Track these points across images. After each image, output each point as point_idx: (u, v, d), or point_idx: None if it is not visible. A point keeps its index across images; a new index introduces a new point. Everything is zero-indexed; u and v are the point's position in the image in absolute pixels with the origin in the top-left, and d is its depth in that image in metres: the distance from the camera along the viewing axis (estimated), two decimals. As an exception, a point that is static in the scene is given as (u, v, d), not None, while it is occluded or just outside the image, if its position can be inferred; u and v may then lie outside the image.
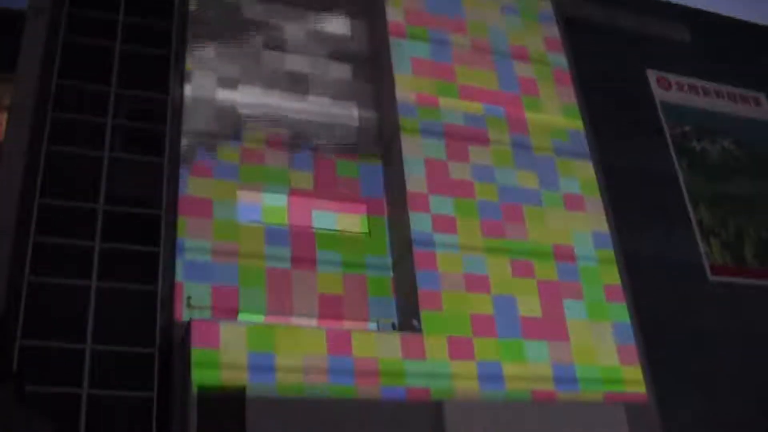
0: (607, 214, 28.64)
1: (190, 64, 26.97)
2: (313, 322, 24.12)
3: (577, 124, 30.37)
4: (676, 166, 33.48)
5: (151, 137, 25.52)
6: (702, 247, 31.56)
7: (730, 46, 39.33)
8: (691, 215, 32.27)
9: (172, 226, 23.98)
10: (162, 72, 26.71)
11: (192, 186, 24.84)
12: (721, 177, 34.36)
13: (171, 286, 23.10)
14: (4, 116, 25.79)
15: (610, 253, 27.75)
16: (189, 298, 22.91)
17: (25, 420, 20.21)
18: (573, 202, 28.28)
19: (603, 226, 28.25)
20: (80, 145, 24.53)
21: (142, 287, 22.99)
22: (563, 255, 26.95)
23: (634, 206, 30.91)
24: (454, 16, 31.00)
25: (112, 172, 24.44)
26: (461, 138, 27.82)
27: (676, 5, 39.37)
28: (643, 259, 29.34)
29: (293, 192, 26.08)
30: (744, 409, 27.92)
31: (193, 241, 23.92)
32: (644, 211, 31.24)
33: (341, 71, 29.11)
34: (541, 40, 32.09)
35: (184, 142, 25.47)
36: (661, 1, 39.09)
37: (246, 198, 25.40)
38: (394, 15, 29.78)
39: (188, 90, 26.47)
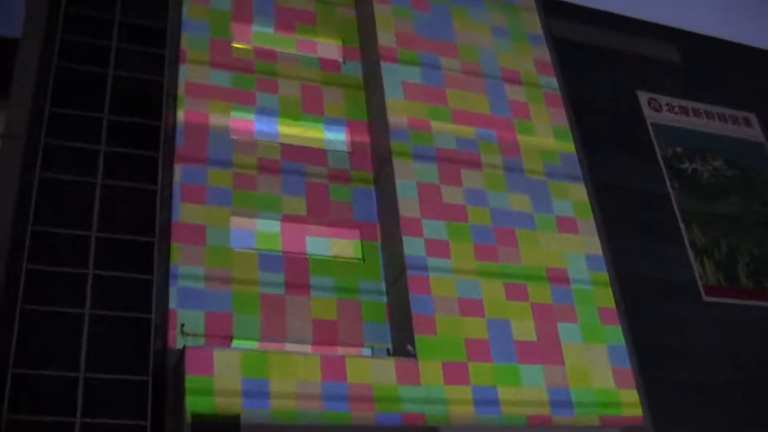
0: (600, 236, 28.62)
1: (182, 89, 26.93)
2: (307, 348, 23.97)
3: (569, 147, 30.42)
4: (668, 186, 33.59)
5: (143, 163, 25.48)
6: (695, 268, 31.61)
7: (719, 66, 39.57)
8: (684, 236, 32.34)
9: (166, 253, 23.90)
10: (155, 98, 26.74)
11: (185, 212, 24.72)
12: (713, 197, 34.49)
13: (164, 313, 22.97)
14: (-3, 144, 25.79)
15: (604, 275, 27.71)
16: (182, 325, 22.76)
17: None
18: (566, 225, 28.26)
19: (596, 249, 28.23)
20: (73, 172, 24.50)
21: (135, 315, 22.93)
22: (557, 278, 26.90)
23: (627, 228, 30.98)
24: (445, 39, 31.06)
25: (105, 199, 24.42)
26: (454, 162, 27.82)
27: (665, 27, 39.64)
28: (637, 281, 29.39)
29: (286, 218, 25.97)
30: (739, 430, 27.91)
31: (187, 268, 23.78)
32: (637, 233, 31.32)
33: (333, 96, 29.12)
34: (532, 63, 32.20)
35: (176, 167, 25.40)
36: (651, 23, 39.35)
37: (239, 224, 25.29)
38: (385, 39, 29.82)
39: (181, 116, 26.39)
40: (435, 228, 26.10)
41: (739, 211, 34.67)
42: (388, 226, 26.54)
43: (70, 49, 26.59)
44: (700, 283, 31.31)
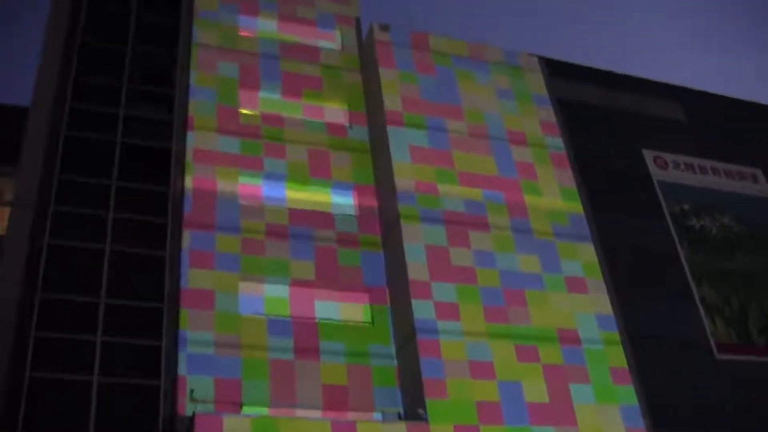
0: (610, 296, 28.56)
1: (191, 155, 27.13)
2: (318, 414, 23.78)
3: (577, 207, 30.57)
4: (677, 244, 33.47)
5: (152, 229, 25.57)
6: (707, 325, 31.36)
7: (725, 123, 39.71)
8: (695, 293, 32.14)
9: (174, 319, 23.87)
10: (163, 164, 26.92)
11: (193, 278, 24.76)
12: (722, 253, 34.32)
13: (174, 379, 22.88)
14: (6, 210, 25.92)
15: (615, 335, 27.65)
16: (192, 391, 22.66)
17: None
18: (575, 285, 28.25)
19: (607, 308, 28.19)
20: (82, 238, 24.57)
21: (144, 381, 22.80)
22: (568, 338, 26.79)
23: (637, 286, 30.80)
24: (451, 102, 31.45)
25: (114, 265, 24.45)
26: (461, 224, 27.93)
27: (669, 85, 39.86)
28: (648, 339, 29.13)
29: (295, 282, 26.02)
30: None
31: (196, 334, 23.76)
32: (647, 291, 31.11)
33: (340, 160, 29.30)
34: (538, 124, 32.47)
35: (185, 233, 25.47)
36: (655, 81, 39.59)
37: (247, 289, 25.33)
38: (391, 103, 30.21)
39: (189, 182, 26.54)
40: (444, 291, 26.10)
41: (749, 267, 34.47)
42: (397, 290, 26.51)
43: (78, 117, 26.86)
44: (711, 341, 31.02)
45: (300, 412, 23.59)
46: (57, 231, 24.42)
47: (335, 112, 30.65)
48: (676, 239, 33.66)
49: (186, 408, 22.33)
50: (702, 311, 31.64)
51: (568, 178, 31.35)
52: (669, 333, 30.31)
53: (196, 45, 29.97)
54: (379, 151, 29.67)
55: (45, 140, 25.98)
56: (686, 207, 35.22)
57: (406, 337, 25.37)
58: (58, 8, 29.00)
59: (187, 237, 25.47)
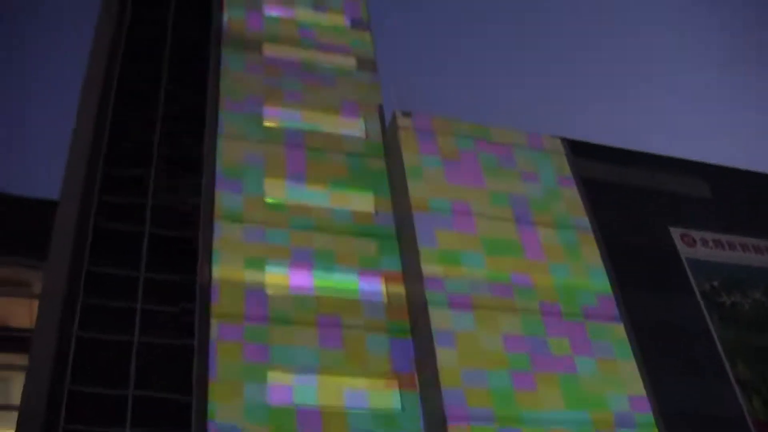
0: (642, 376, 28.21)
1: (218, 245, 27.31)
2: (349, 505, 23.48)
3: (605, 287, 30.41)
4: (708, 321, 33.08)
5: (180, 320, 25.62)
6: (743, 403, 30.80)
7: (750, 197, 39.54)
8: (729, 371, 31.62)
9: (203, 410, 23.72)
10: (190, 253, 27.09)
11: (222, 368, 24.67)
12: (756, 330, 33.86)
13: (203, 472, 22.69)
14: (35, 304, 26.09)
15: (649, 416, 27.20)
16: (222, 484, 22.45)
17: None
18: (607, 366, 27.93)
19: (640, 389, 27.82)
20: (110, 331, 24.61)
21: (173, 475, 22.64)
22: (602, 422, 26.40)
23: (669, 365, 30.40)
24: (476, 186, 31.60)
25: (142, 357, 24.43)
26: (490, 308, 27.82)
27: (693, 161, 39.87)
28: (683, 419, 28.62)
29: (324, 371, 25.84)
30: None
31: (225, 425, 23.59)
32: (680, 370, 30.69)
33: (367, 247, 29.38)
34: (563, 205, 32.55)
35: (213, 324, 25.50)
36: (678, 159, 39.63)
37: (276, 379, 25.14)
38: (416, 189, 30.44)
39: (216, 271, 26.66)
40: (474, 376, 25.84)
41: (785, 343, 33.99)
42: (427, 376, 26.27)
43: (107, 208, 27.18)
44: (749, 419, 30.42)
45: (331, 504, 23.31)
46: (85, 323, 24.49)
47: (361, 199, 30.81)
48: (707, 316, 33.28)
49: (215, 501, 22.13)
50: (737, 389, 31.11)
51: (595, 257, 31.25)
52: (704, 412, 29.79)
53: (221, 136, 30.42)
54: (405, 237, 29.77)
55: (73, 232, 26.24)
56: (716, 284, 34.90)
57: (437, 424, 25.04)
58: (86, 103, 29.64)
59: (215, 327, 25.46)
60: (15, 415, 22.30)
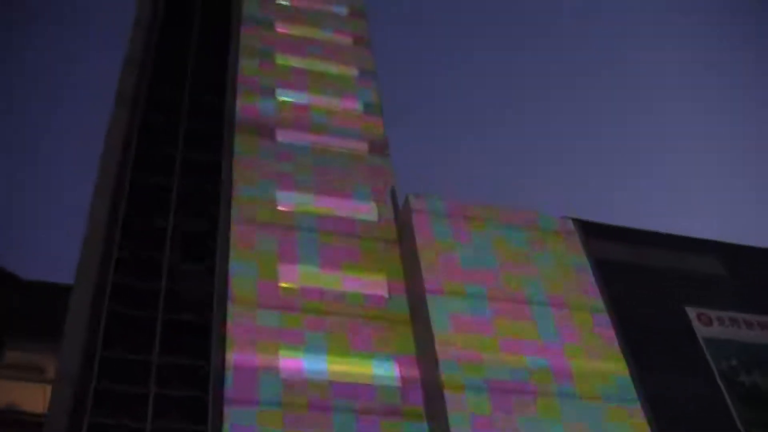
0: (661, 459, 27.77)
1: (231, 331, 27.25)
2: None
3: (622, 368, 30.12)
4: (728, 401, 32.61)
5: (192, 405, 25.45)
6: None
7: (765, 275, 39.31)
8: (750, 452, 31.15)
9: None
10: (203, 339, 27.04)
11: (236, 456, 24.47)
12: (776, 409, 33.35)
13: None
14: (49, 389, 26.02)
15: (669, 501, 26.67)
16: None
17: None
18: (626, 450, 27.48)
19: (660, 474, 27.30)
20: (122, 416, 24.44)
21: None
22: (621, 507, 25.89)
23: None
24: (489, 269, 31.57)
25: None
26: (506, 391, 27.52)
27: (706, 240, 39.79)
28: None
29: (339, 457, 25.56)
30: None
31: None
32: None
33: (381, 331, 29.28)
34: (577, 286, 32.40)
35: (226, 410, 25.29)
36: (691, 238, 39.56)
37: (291, 466, 24.91)
38: (429, 273, 30.38)
39: (230, 357, 26.55)
40: (491, 461, 25.48)
41: (807, 422, 33.40)
42: (443, 461, 25.89)
43: (120, 292, 27.25)
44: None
45: None
46: (98, 408, 24.35)
47: (374, 283, 30.88)
48: (727, 397, 32.83)
49: None
50: (762, 470, 30.64)
51: (611, 339, 31.00)
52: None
53: (235, 220, 30.63)
54: (419, 320, 29.67)
55: (87, 316, 26.27)
56: (734, 363, 34.50)
57: None
58: (101, 193, 29.98)
59: (229, 414, 25.24)
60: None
